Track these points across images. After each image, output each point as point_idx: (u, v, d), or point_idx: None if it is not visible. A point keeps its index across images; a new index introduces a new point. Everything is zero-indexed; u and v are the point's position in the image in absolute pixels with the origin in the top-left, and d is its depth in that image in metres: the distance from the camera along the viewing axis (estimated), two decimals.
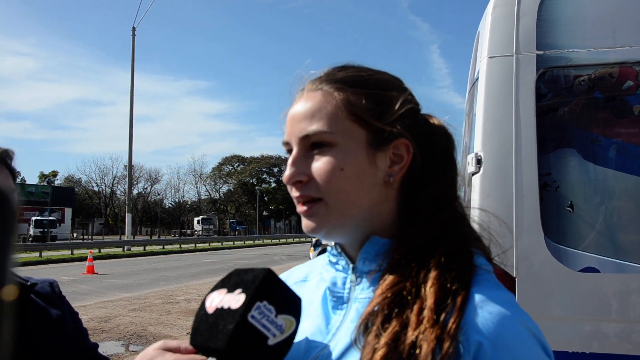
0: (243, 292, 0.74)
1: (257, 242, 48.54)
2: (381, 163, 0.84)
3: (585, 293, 2.16)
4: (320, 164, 0.82)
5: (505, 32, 2.41)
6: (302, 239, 53.52)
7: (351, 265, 0.87)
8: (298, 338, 0.79)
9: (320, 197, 0.82)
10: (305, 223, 0.85)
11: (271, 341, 0.73)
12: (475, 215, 0.93)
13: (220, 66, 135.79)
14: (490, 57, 2.41)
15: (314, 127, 0.83)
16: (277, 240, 52.86)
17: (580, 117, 2.30)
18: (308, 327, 0.87)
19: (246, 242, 47.44)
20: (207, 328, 0.74)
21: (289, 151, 0.87)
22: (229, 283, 0.78)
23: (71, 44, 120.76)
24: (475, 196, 2.30)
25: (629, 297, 2.12)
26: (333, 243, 0.91)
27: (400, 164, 0.85)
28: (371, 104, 0.84)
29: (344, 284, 0.87)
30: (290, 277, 1.03)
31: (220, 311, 0.74)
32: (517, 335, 0.72)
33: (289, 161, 0.85)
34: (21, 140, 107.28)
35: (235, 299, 0.73)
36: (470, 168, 2.35)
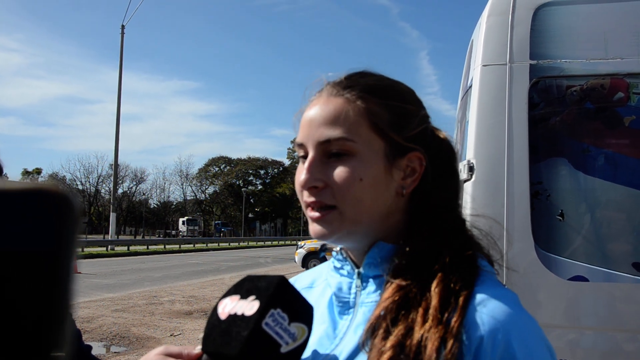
0: (257, 298, 0.73)
1: (242, 244, 48.30)
2: (396, 175, 0.85)
3: (573, 301, 2.18)
4: (340, 172, 0.82)
5: (499, 41, 2.42)
6: (287, 242, 53.37)
7: (356, 271, 0.88)
8: None
9: (335, 204, 0.82)
10: (316, 229, 0.84)
11: (284, 349, 0.72)
12: (475, 221, 0.94)
13: (209, 67, 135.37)
14: (484, 65, 2.43)
15: (336, 133, 0.82)
16: (262, 243, 52.64)
17: (572, 127, 2.32)
18: (315, 333, 0.87)
19: (231, 244, 47.16)
20: (220, 334, 0.73)
21: (304, 154, 0.86)
22: (241, 289, 0.77)
23: (60, 41, 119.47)
24: (467, 203, 2.31)
25: (617, 306, 2.15)
26: (338, 248, 0.91)
27: (413, 177, 0.86)
28: (392, 116, 0.85)
29: (350, 289, 0.88)
30: (297, 283, 1.02)
31: (233, 317, 0.73)
32: (517, 330, 0.73)
33: (306, 165, 0.84)
34: (6, 136, 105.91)
35: (249, 306, 0.73)
36: (462, 175, 2.36)
